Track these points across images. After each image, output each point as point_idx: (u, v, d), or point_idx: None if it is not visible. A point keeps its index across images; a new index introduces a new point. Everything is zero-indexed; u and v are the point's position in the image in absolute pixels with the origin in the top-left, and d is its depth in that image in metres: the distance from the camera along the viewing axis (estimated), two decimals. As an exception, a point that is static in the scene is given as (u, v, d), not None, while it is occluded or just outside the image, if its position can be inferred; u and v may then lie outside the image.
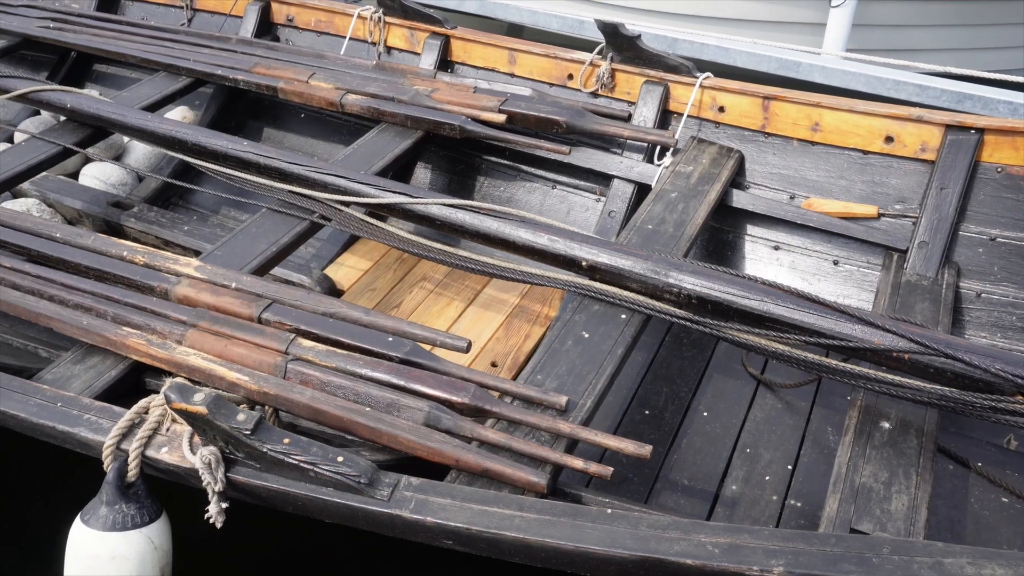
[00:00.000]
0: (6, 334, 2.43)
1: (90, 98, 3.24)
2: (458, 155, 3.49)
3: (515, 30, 5.06)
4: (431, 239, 2.61)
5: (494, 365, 2.77)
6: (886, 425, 2.01)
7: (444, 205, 2.57)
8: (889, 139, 2.75)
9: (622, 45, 3.16)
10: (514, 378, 2.71)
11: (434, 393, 1.98)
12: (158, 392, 2.18)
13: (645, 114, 3.12)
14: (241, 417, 1.63)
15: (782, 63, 3.66)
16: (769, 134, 2.96)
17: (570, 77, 3.32)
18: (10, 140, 3.95)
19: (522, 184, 3.38)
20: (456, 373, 2.05)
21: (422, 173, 3.55)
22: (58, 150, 3.12)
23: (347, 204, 2.68)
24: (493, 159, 3.44)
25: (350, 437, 1.99)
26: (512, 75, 3.45)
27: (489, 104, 3.12)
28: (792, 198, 2.92)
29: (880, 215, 2.74)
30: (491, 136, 3.06)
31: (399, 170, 3.27)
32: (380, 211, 2.71)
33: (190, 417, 1.65)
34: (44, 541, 2.42)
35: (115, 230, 3.29)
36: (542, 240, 2.43)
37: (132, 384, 2.19)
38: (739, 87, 2.99)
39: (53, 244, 2.52)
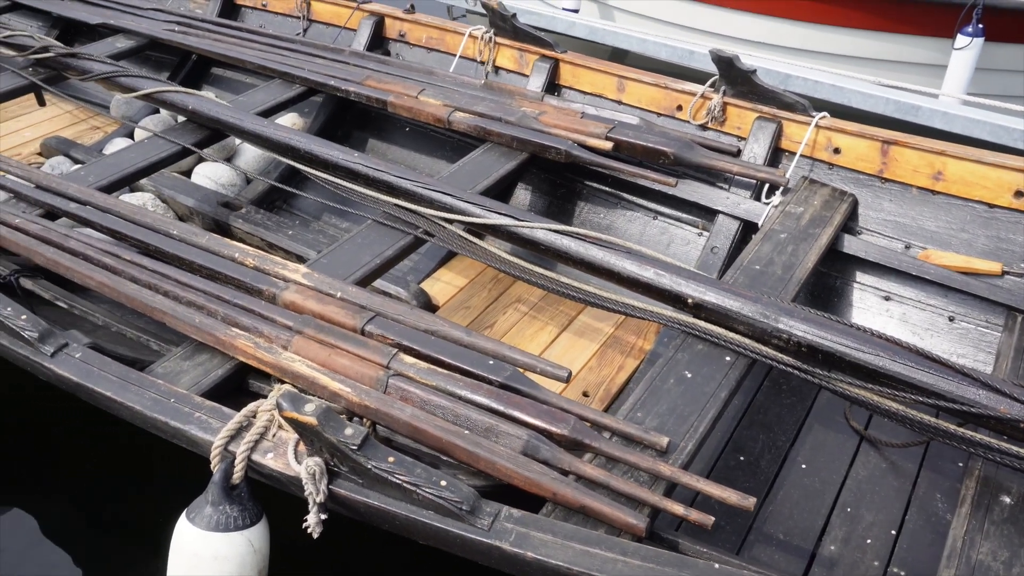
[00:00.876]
0: (121, 324, 2.52)
1: (211, 102, 3.35)
2: (559, 179, 3.48)
3: (618, 55, 5.04)
4: (528, 261, 2.60)
5: (586, 395, 2.74)
6: (1007, 500, 1.89)
7: (550, 230, 2.56)
8: (1019, 194, 2.62)
9: (736, 79, 3.11)
10: (606, 410, 2.68)
11: (533, 422, 1.96)
12: (262, 394, 2.24)
13: (755, 150, 3.06)
14: (349, 432, 1.64)
15: (899, 106, 3.53)
16: (886, 180, 2.86)
17: (679, 108, 3.29)
18: (130, 135, 4.13)
19: (623, 212, 3.35)
20: (556, 403, 2.03)
21: (522, 194, 3.55)
22: (177, 149, 3.24)
23: (453, 222, 2.70)
24: (594, 185, 3.42)
25: (445, 458, 1.98)
26: (620, 102, 3.43)
27: (596, 131, 3.10)
28: (907, 248, 2.81)
29: (1004, 273, 2.61)
30: (596, 163, 3.04)
31: (501, 190, 3.28)
32: (484, 231, 2.72)
33: (299, 426, 1.66)
34: (148, 530, 2.50)
35: (223, 229, 3.39)
36: (648, 274, 2.40)
37: (237, 384, 2.25)
38: (857, 129, 2.90)
39: (170, 241, 2.60)
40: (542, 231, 2.58)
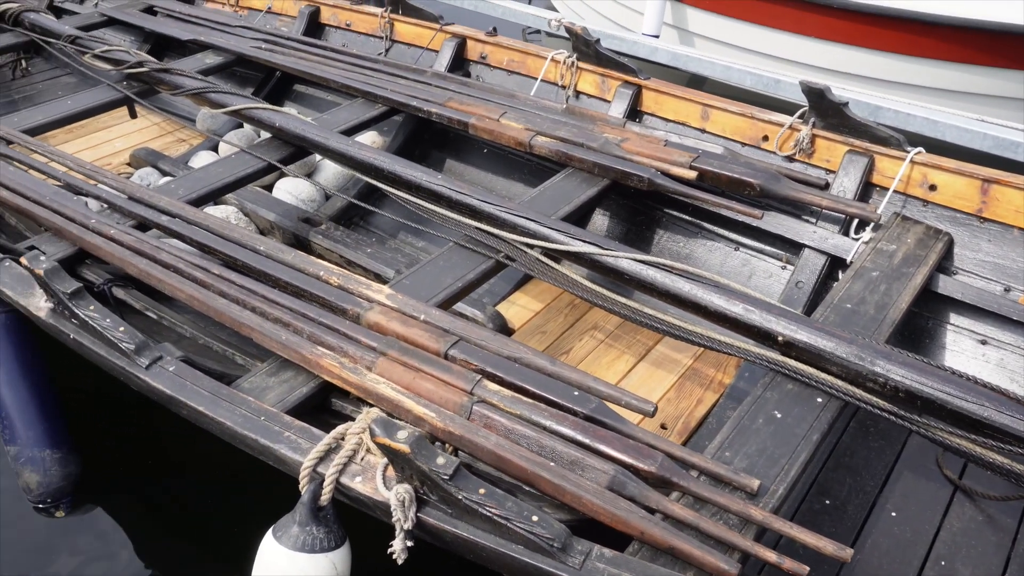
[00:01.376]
0: (207, 337, 2.56)
1: (297, 120, 3.41)
2: (638, 206, 3.45)
3: (695, 81, 5.00)
4: (605, 287, 2.57)
5: (664, 427, 2.69)
6: (1123, 564, 1.79)
7: (635, 260, 2.53)
8: None
9: (827, 111, 3.04)
10: (685, 443, 2.63)
11: (620, 457, 1.92)
12: (344, 414, 2.26)
13: (845, 184, 2.98)
14: (441, 461, 1.63)
15: (998, 142, 3.41)
16: (985, 219, 2.76)
17: (765, 138, 3.23)
18: (214, 148, 4.23)
19: (703, 242, 3.30)
20: (642, 438, 1.99)
21: (600, 219, 3.53)
22: (263, 165, 3.30)
23: (536, 248, 2.68)
24: (674, 213, 3.37)
25: (527, 488, 1.96)
26: (703, 131, 3.38)
27: (680, 159, 3.06)
28: (1007, 291, 2.70)
29: (1113, 322, 2.49)
30: (679, 192, 3.00)
31: (580, 216, 3.26)
32: (567, 259, 2.70)
33: (391, 453, 1.66)
34: (230, 543, 2.53)
35: (303, 244, 3.44)
36: (736, 309, 2.35)
37: (319, 402, 2.26)
38: (955, 166, 2.81)
39: (256, 256, 2.64)
40: (627, 261, 2.55)
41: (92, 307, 2.20)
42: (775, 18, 4.89)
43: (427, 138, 4.04)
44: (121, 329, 2.16)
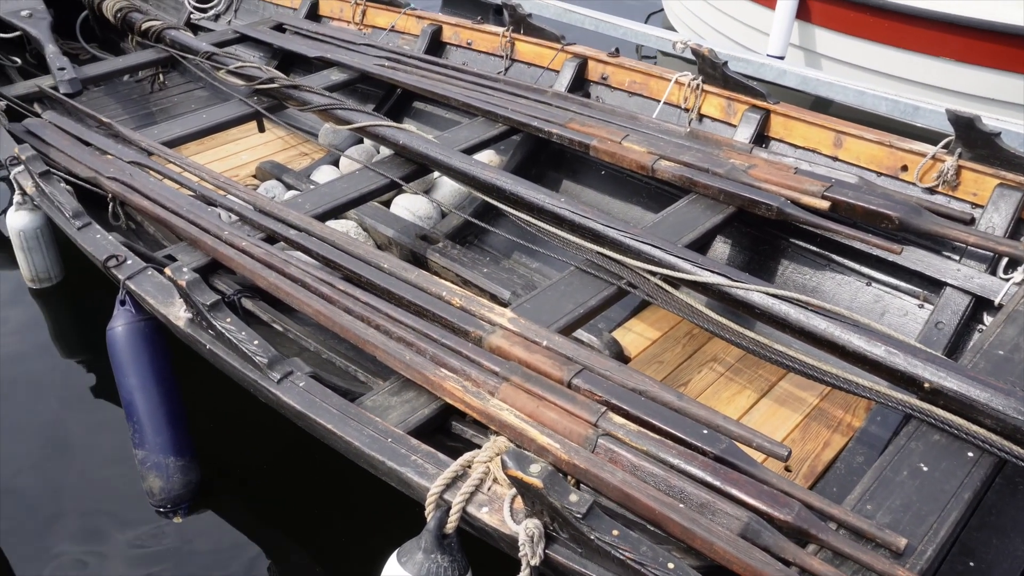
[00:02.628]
0: (330, 352, 2.60)
1: (421, 138, 3.45)
2: (762, 234, 3.33)
3: (820, 105, 4.81)
4: (726, 317, 2.48)
5: (788, 470, 2.56)
6: None
7: (767, 294, 2.43)
8: None
9: (975, 141, 2.86)
10: (811, 487, 2.50)
11: (753, 503, 1.83)
12: (464, 437, 2.24)
13: (995, 220, 2.80)
14: (574, 498, 1.59)
15: None
16: None
17: (904, 168, 3.06)
18: (335, 163, 4.34)
19: (832, 275, 3.15)
20: (777, 484, 1.89)
21: (720, 246, 3.42)
22: (386, 182, 3.35)
23: (662, 277, 2.61)
24: (801, 244, 3.24)
25: (653, 529, 1.89)
26: (835, 158, 3.24)
27: (812, 188, 2.94)
28: None
29: None
30: (809, 222, 2.87)
31: (703, 243, 3.17)
32: (693, 288, 2.62)
33: (522, 486, 1.62)
34: (351, 562, 2.55)
35: (420, 261, 3.47)
36: (878, 351, 2.21)
37: (440, 424, 2.25)
38: (1122, 205, 2.59)
39: (380, 274, 2.67)
40: (758, 294, 2.45)
41: (229, 319, 2.26)
42: (913, 40, 4.65)
43: (544, 158, 4.03)
44: (255, 343, 2.20)
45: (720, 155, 3.22)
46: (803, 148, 3.34)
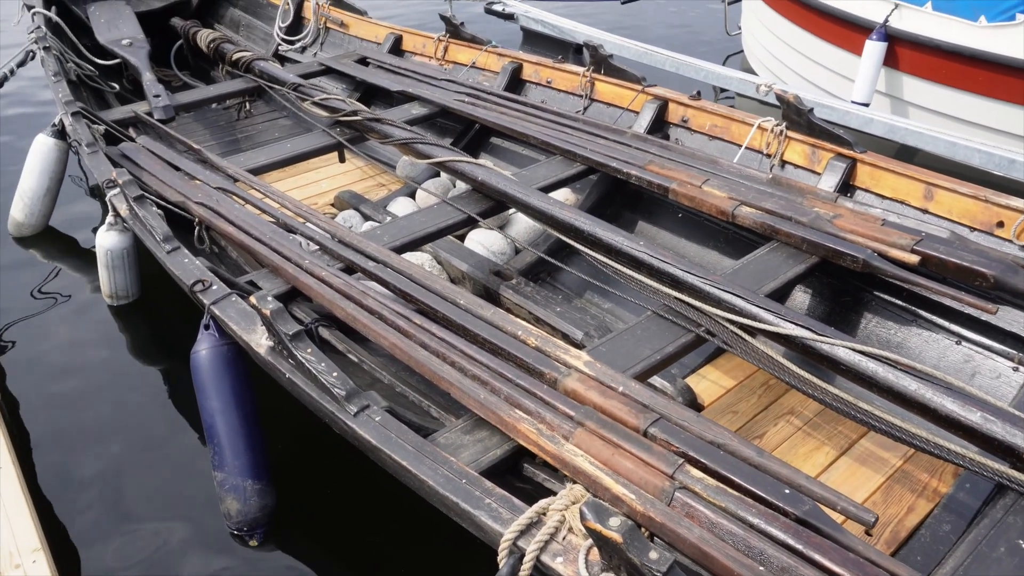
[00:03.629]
0: (404, 385, 2.61)
1: (500, 175, 3.47)
2: (845, 285, 3.24)
3: (904, 154, 4.70)
4: (804, 368, 2.40)
5: (869, 534, 2.45)
6: None
7: (854, 351, 2.35)
8: None
9: (1079, 199, 2.74)
10: (893, 554, 2.39)
11: (838, 571, 1.75)
12: (536, 481, 2.21)
13: (1098, 283, 2.66)
14: (654, 556, 1.54)
15: None
16: None
17: (1000, 224, 2.95)
18: (411, 195, 4.40)
19: (918, 332, 3.04)
20: (865, 553, 1.81)
21: (800, 295, 3.34)
22: (463, 217, 3.37)
23: (741, 326, 2.56)
24: (886, 297, 3.14)
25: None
26: (925, 211, 3.14)
27: (901, 241, 2.85)
28: None
29: None
30: (897, 276, 2.78)
31: (783, 292, 3.10)
32: (773, 339, 2.55)
33: (600, 539, 1.59)
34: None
35: (493, 297, 3.47)
36: (973, 417, 2.11)
37: (511, 465, 2.23)
38: None
39: (456, 310, 2.67)
40: (844, 350, 2.38)
41: (309, 350, 2.29)
42: (1009, 91, 4.51)
43: (620, 198, 4.01)
44: (334, 375, 2.22)
45: (803, 203, 3.16)
46: (891, 199, 3.25)
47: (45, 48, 4.66)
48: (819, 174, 3.44)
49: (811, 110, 3.48)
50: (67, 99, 4.08)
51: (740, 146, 3.70)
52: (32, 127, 6.16)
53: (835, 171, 3.37)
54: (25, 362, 3.67)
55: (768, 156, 3.63)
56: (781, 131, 3.57)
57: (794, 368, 2.44)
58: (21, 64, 4.76)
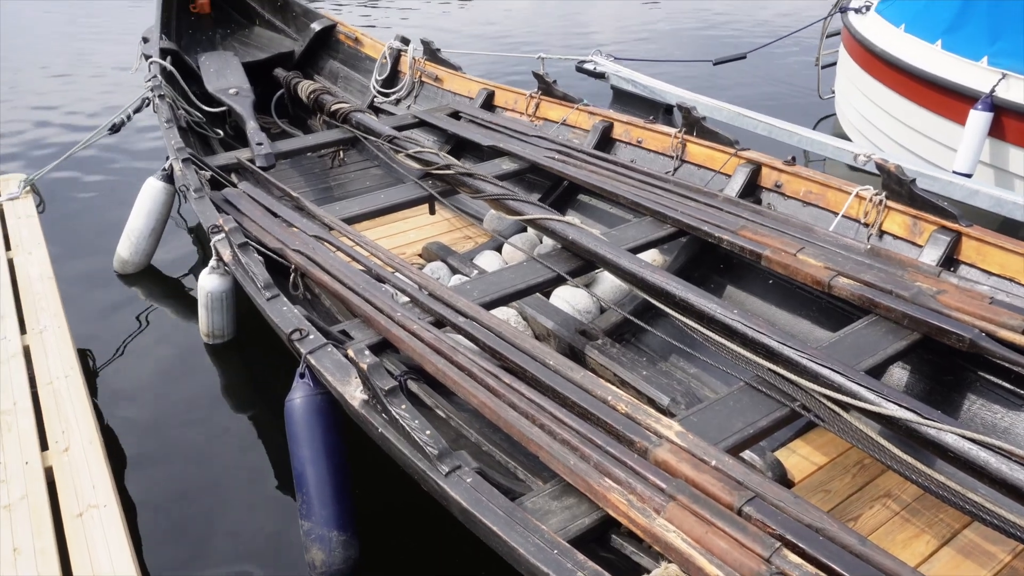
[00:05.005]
0: (491, 445, 2.60)
1: (591, 235, 3.47)
2: (947, 363, 3.11)
3: (1009, 228, 4.52)
4: (902, 449, 2.30)
5: (975, 634, 2.32)
6: None
7: (964, 438, 2.24)
8: None
9: None
10: (1001, 661, 2.25)
11: (950, 678, 1.65)
12: (624, 553, 2.17)
13: None
14: (756, 649, 1.48)
15: None
16: None
17: (1120, 308, 2.80)
18: (498, 248, 4.44)
19: (1028, 417, 2.89)
20: (978, 660, 1.70)
21: (898, 372, 3.22)
22: (552, 275, 3.38)
23: (837, 402, 2.48)
24: (992, 379, 3.00)
25: None
26: (1036, 290, 3.01)
27: (1011, 322, 2.73)
28: None
29: None
30: (1006, 358, 2.66)
31: (881, 368, 2.99)
32: (872, 418, 2.46)
33: (699, 627, 1.53)
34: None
35: (577, 357, 3.46)
36: (1097, 517, 1.99)
37: (599, 534, 2.19)
38: None
39: (545, 371, 2.66)
40: (951, 436, 2.27)
41: (404, 406, 2.31)
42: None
43: (708, 261, 3.97)
44: (427, 433, 2.24)
45: (904, 276, 3.07)
46: (999, 276, 3.13)
47: (160, 96, 4.92)
48: (921, 246, 3.33)
49: (913, 180, 3.40)
50: (178, 146, 4.29)
51: (836, 214, 3.62)
52: (137, 168, 6.50)
53: (938, 244, 3.27)
54: (123, 393, 3.81)
55: (866, 225, 3.55)
56: (880, 201, 3.49)
57: (894, 450, 2.34)
58: (137, 110, 5.03)
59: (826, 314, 3.48)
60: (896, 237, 3.47)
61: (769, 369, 2.67)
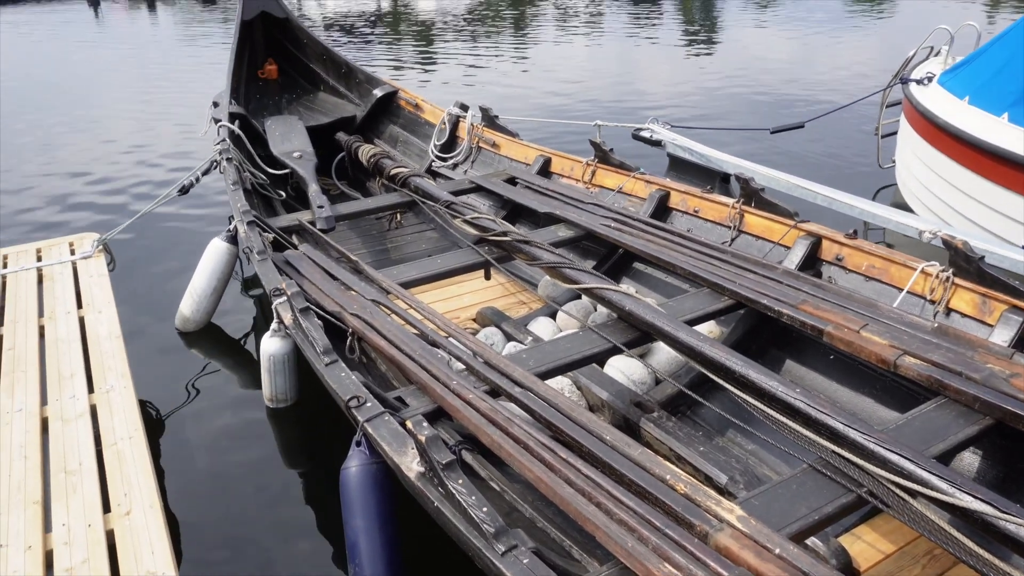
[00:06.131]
0: (546, 521, 2.56)
1: (648, 306, 3.45)
2: (1021, 449, 2.98)
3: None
4: (975, 540, 2.19)
5: None
6: None
7: (1045, 535, 2.13)
8: None
9: None
10: None
11: None
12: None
13: None
14: None
15: None
16: None
17: None
18: (552, 315, 4.44)
19: (1112, 511, 2.74)
20: None
21: (969, 456, 3.10)
22: (609, 346, 3.35)
23: (907, 490, 2.38)
24: (1071, 468, 2.86)
25: None
26: (1116, 376, 2.88)
27: (1091, 409, 2.61)
28: None
29: None
30: (1087, 448, 2.54)
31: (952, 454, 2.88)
32: (952, 513, 2.36)
33: None
34: None
35: (632, 429, 3.40)
36: None
37: (657, 624, 2.12)
38: None
39: (602, 446, 2.62)
40: (1032, 532, 2.16)
41: (460, 481, 2.30)
42: None
43: (767, 334, 3.90)
44: (484, 510, 2.21)
45: (975, 358, 2.97)
46: (1075, 359, 3.00)
47: (227, 159, 5.10)
48: (991, 326, 3.23)
49: (982, 258, 3.32)
50: (244, 208, 4.41)
51: (901, 290, 3.54)
52: (202, 227, 6.71)
53: (1010, 324, 3.16)
54: (183, 453, 3.86)
55: (932, 302, 3.46)
56: (947, 277, 3.41)
57: (967, 542, 2.24)
58: (205, 172, 5.21)
59: (890, 393, 3.39)
60: (964, 315, 3.37)
61: (833, 451, 2.59)
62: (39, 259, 4.37)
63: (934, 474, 2.39)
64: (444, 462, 2.31)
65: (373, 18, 20.80)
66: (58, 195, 7.79)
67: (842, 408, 2.85)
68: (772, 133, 6.53)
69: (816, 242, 3.96)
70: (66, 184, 8.14)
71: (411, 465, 2.46)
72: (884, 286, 3.68)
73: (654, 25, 17.90)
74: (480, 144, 6.15)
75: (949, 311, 3.43)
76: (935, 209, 5.71)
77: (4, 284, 4.09)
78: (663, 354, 3.94)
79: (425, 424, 2.39)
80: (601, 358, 3.45)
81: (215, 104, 6.55)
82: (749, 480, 3.10)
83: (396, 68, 13.57)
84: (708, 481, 3.08)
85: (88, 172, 8.50)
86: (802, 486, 2.50)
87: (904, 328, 3.21)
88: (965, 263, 3.37)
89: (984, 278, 3.32)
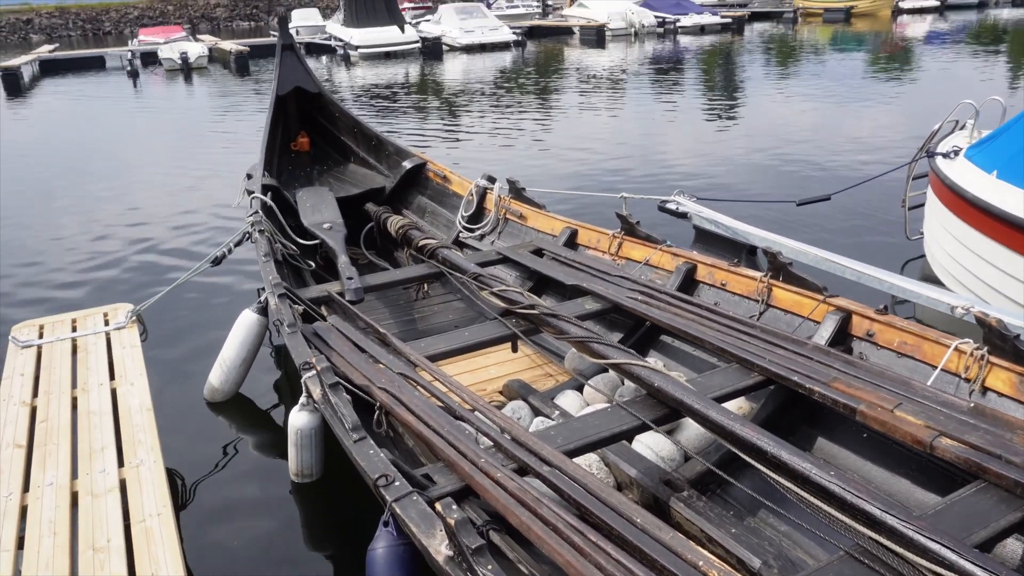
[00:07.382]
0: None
1: (677, 383, 3.43)
2: (1066, 537, 2.89)
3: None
4: None
5: None
6: None
7: (1097, 633, 2.05)
8: None
9: None
10: None
11: None
12: None
13: None
14: None
15: None
16: None
17: None
18: (579, 388, 4.41)
19: None
20: None
21: (1012, 543, 2.99)
22: (638, 423, 3.33)
23: (950, 582, 2.31)
24: (1120, 557, 2.76)
25: None
26: None
27: None
28: None
29: None
30: None
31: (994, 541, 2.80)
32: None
33: None
34: None
35: (661, 509, 3.34)
36: None
37: None
38: None
39: (633, 529, 2.58)
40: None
41: (490, 567, 2.26)
42: None
43: (798, 411, 3.84)
44: (512, 598, 2.17)
45: (1014, 440, 2.90)
46: (1119, 442, 2.92)
47: (260, 231, 5.20)
48: (1029, 406, 3.17)
49: (1017, 337, 3.27)
50: (275, 281, 4.48)
51: (934, 367, 3.49)
52: (232, 297, 6.80)
53: (1049, 406, 3.10)
54: (209, 527, 3.84)
55: (967, 380, 3.40)
56: (982, 356, 3.36)
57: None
58: (238, 244, 5.31)
59: (927, 474, 3.31)
60: (1001, 395, 3.31)
61: (871, 538, 2.53)
62: (74, 329, 4.45)
63: (977, 564, 2.32)
64: (473, 547, 2.28)
65: (403, 88, 21.36)
66: (95, 264, 7.96)
67: (877, 489, 2.78)
68: (798, 206, 6.56)
69: (846, 317, 3.93)
70: (103, 249, 8.34)
71: (440, 548, 2.43)
72: (917, 363, 3.63)
73: (677, 94, 18.19)
74: (507, 215, 6.22)
75: (985, 390, 3.37)
76: (965, 282, 5.65)
77: (40, 354, 4.16)
78: (692, 430, 3.89)
79: (454, 506, 2.37)
80: (630, 435, 3.41)
81: (248, 176, 6.71)
82: (783, 565, 3.02)
83: (421, 136, 13.85)
84: (741, 565, 3.01)
85: (126, 239, 8.70)
86: (839, 574, 2.44)
87: (939, 408, 3.16)
88: (1000, 341, 3.32)
89: (1020, 356, 3.27)
